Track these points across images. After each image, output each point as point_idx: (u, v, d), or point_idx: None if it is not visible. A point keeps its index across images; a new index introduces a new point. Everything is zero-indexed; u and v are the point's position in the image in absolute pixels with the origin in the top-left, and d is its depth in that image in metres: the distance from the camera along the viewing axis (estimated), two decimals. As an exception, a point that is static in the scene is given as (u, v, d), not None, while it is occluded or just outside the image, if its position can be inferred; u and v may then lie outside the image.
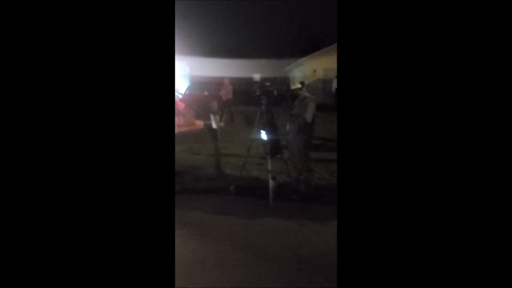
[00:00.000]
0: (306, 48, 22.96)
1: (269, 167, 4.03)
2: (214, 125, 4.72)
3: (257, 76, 12.86)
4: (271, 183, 4.01)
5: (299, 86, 3.98)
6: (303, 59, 18.28)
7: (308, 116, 3.81)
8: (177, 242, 2.22)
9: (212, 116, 4.69)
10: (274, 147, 4.15)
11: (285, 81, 4.07)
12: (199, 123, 8.86)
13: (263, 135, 4.09)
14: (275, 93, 4.10)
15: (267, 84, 4.02)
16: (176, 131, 6.92)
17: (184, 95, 11.94)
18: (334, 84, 15.82)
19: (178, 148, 5.86)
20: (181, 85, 13.91)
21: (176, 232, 1.87)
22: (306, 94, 3.94)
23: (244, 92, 12.75)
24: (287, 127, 4.07)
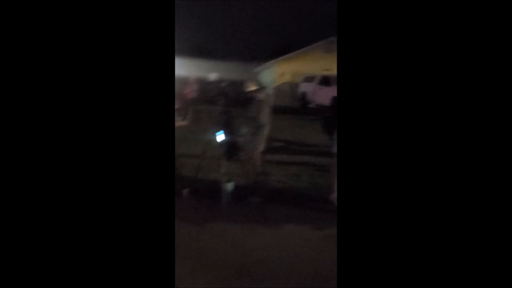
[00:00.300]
0: (276, 50, 23.13)
1: (225, 170, 3.94)
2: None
3: (213, 76, 12.61)
4: (226, 186, 3.93)
5: (255, 88, 3.92)
6: (272, 61, 18.38)
7: (263, 118, 3.76)
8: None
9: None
10: (231, 149, 4.07)
11: (250, 83, 3.97)
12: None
13: (220, 137, 3.99)
14: (232, 94, 4.02)
15: (223, 84, 3.94)
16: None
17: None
18: (301, 88, 16.03)
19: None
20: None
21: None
22: (262, 96, 3.89)
23: (208, 91, 12.58)
24: (243, 129, 4.01)
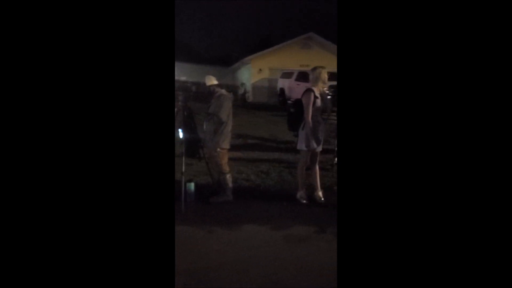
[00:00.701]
0: (254, 46, 22.93)
1: (185, 168, 3.75)
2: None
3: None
4: (187, 185, 3.74)
5: (215, 82, 3.73)
6: (249, 57, 18.16)
7: (223, 115, 3.58)
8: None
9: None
10: (192, 147, 3.88)
11: (211, 77, 3.77)
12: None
13: (179, 134, 3.78)
14: (194, 89, 3.82)
15: (183, 79, 3.71)
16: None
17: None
18: (279, 84, 15.91)
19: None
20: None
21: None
22: (223, 91, 3.70)
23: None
24: (204, 126, 3.82)
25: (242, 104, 14.82)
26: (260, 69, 17.81)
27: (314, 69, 3.76)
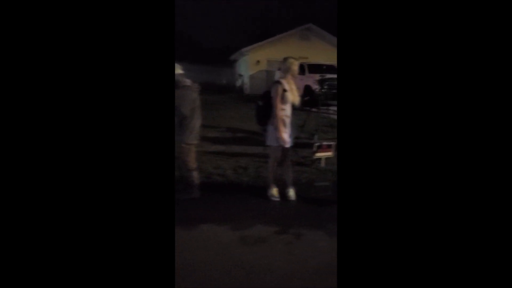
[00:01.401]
0: (254, 37, 22.59)
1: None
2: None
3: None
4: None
5: (180, 72, 3.51)
6: (247, 48, 17.86)
7: (185, 108, 3.38)
8: None
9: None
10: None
11: (177, 65, 3.56)
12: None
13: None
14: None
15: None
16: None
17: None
18: (276, 76, 15.65)
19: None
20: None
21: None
22: (187, 82, 3.50)
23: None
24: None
25: (239, 96, 14.59)
26: (258, 61, 17.52)
27: (285, 59, 3.56)
